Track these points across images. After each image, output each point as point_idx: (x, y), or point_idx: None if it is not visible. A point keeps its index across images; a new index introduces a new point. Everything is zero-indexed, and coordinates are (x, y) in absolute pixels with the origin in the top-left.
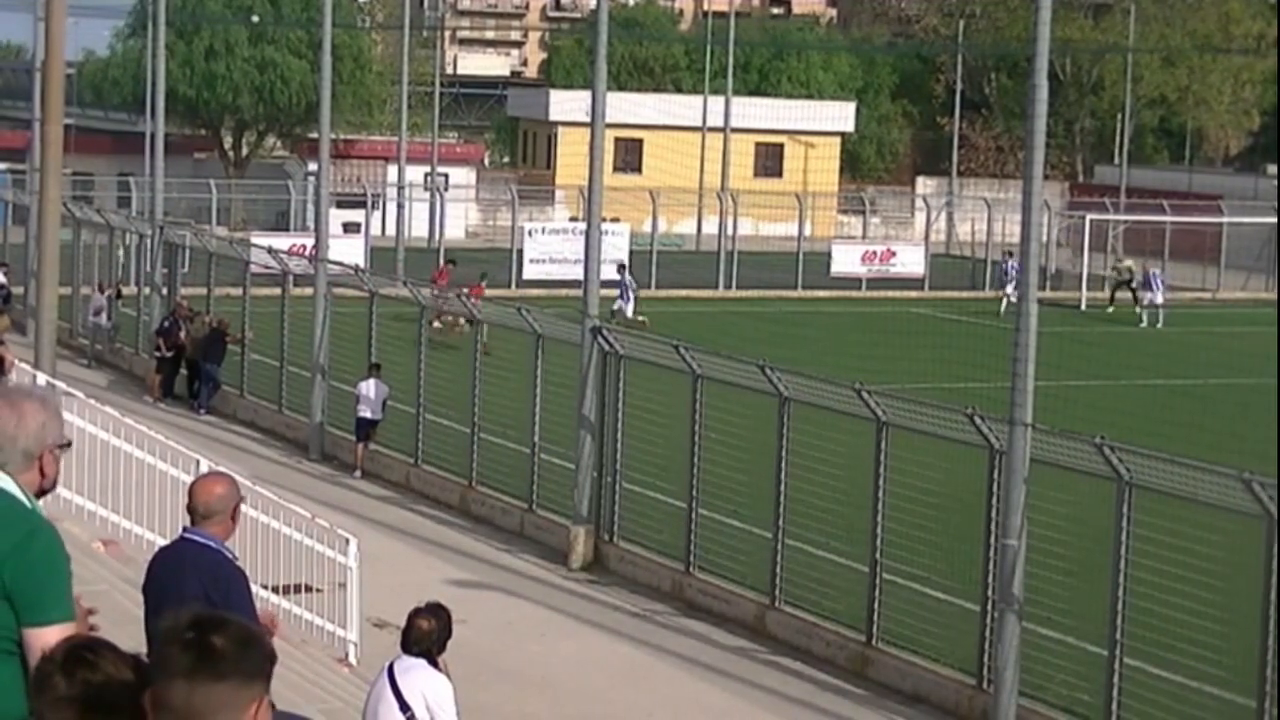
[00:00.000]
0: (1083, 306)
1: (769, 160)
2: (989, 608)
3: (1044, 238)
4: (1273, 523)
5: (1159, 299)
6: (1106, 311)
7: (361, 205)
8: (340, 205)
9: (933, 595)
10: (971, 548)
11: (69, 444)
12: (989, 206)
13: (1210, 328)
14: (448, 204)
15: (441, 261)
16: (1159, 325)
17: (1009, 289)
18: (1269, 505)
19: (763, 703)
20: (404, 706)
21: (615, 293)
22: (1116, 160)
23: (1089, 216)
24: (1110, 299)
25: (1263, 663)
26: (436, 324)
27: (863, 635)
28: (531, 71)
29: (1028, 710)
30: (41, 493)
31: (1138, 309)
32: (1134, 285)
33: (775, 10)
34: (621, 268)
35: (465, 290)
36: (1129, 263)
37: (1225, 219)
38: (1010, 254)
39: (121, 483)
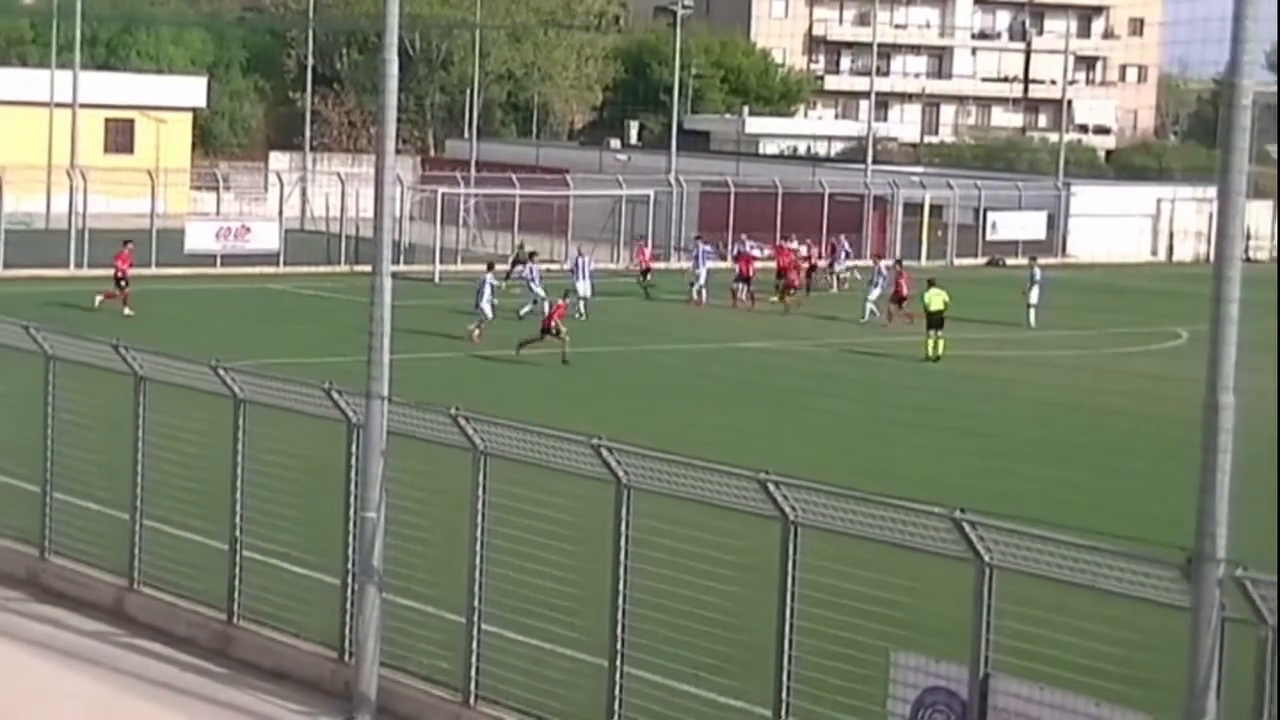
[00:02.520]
0: (437, 280)
1: (120, 136)
2: (350, 580)
3: (398, 212)
4: (621, 487)
5: (587, 289)
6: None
7: None
8: None
9: (294, 571)
10: (332, 521)
11: None
12: (343, 181)
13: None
14: None
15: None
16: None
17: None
18: (616, 470)
19: (125, 686)
20: None
21: None
22: (467, 135)
23: (441, 190)
24: (507, 275)
25: (614, 622)
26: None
27: (224, 614)
28: None
29: (390, 680)
30: None
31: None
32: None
33: None
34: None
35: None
36: (530, 248)
37: (572, 192)
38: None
39: None
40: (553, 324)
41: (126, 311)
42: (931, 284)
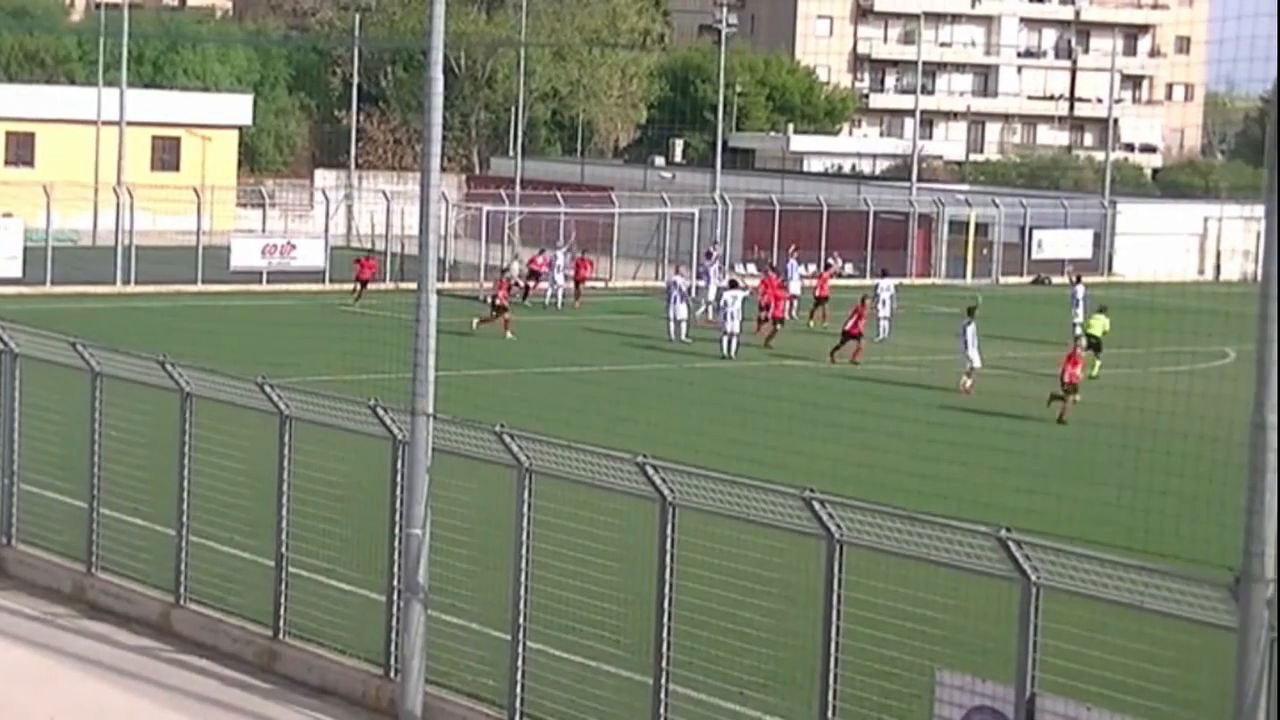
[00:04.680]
0: (481, 297)
1: (166, 153)
2: (395, 597)
3: (442, 229)
4: (666, 505)
5: (797, 289)
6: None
7: None
8: None
9: (339, 587)
10: (377, 538)
11: None
12: (388, 199)
13: (605, 315)
14: None
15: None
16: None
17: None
18: (661, 488)
19: (168, 701)
20: None
21: None
22: (511, 153)
23: (486, 208)
24: (525, 290)
25: (659, 640)
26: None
27: (269, 630)
28: None
29: (434, 697)
30: None
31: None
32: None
33: (170, 2)
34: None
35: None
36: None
37: (617, 210)
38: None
39: None
40: (1075, 378)
41: (509, 335)
42: (1102, 310)
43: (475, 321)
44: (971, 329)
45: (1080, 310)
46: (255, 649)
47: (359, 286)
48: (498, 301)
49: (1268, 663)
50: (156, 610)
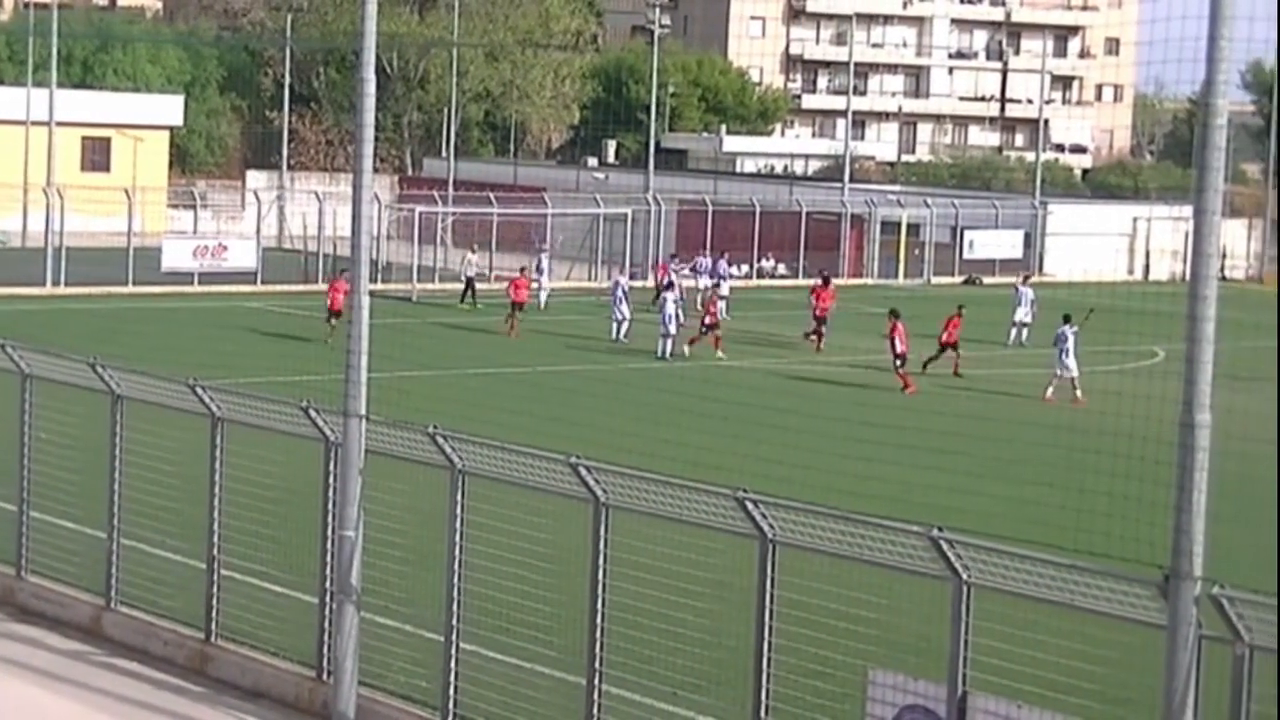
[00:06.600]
0: (414, 299)
1: (96, 154)
2: (327, 599)
3: (375, 230)
4: (599, 506)
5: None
6: (460, 306)
7: None
8: None
9: (271, 589)
10: (310, 540)
11: None
12: (320, 200)
13: (539, 316)
14: None
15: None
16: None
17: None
18: (594, 489)
19: (99, 705)
20: None
21: None
22: (444, 153)
23: (418, 209)
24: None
25: (592, 641)
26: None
27: (201, 633)
28: None
29: (368, 699)
30: None
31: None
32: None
33: (100, 2)
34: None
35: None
36: (473, 256)
37: (550, 210)
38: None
39: None
40: None
41: (720, 354)
42: None
43: (686, 343)
44: (1073, 338)
45: (1024, 309)
46: (187, 652)
47: (332, 317)
48: (708, 320)
49: (1195, 660)
50: (87, 614)
